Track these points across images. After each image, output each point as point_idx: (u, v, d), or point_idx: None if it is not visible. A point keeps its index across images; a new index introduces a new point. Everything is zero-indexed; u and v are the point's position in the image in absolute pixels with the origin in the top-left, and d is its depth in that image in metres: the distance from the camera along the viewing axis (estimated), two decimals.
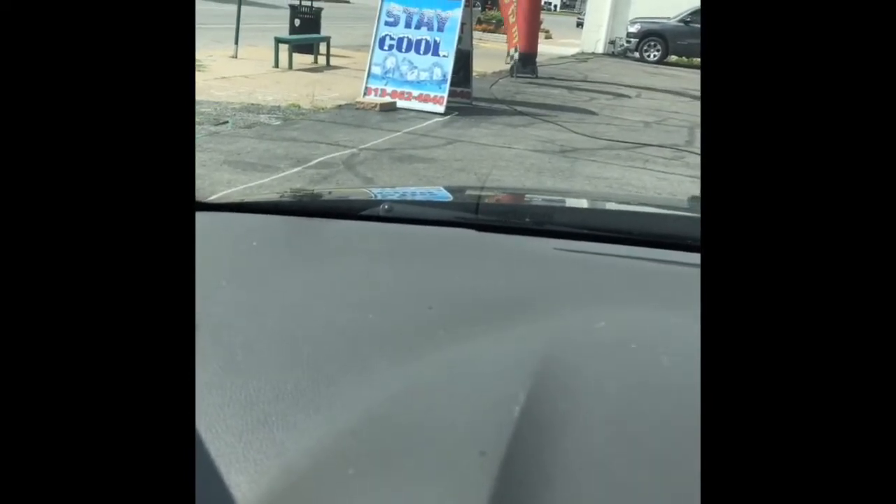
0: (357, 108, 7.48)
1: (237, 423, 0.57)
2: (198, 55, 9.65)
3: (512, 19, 12.34)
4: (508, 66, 12.10)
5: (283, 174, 4.85)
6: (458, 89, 8.22)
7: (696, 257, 0.99)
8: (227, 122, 6.22)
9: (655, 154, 6.65)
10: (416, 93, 7.85)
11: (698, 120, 9.02)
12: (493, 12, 24.52)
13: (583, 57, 18.65)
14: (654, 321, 0.79)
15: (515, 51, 12.07)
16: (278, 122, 6.44)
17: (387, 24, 8.04)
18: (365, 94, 7.90)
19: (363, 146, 5.84)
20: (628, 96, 11.03)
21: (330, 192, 2.00)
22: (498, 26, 20.83)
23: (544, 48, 15.34)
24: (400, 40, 7.98)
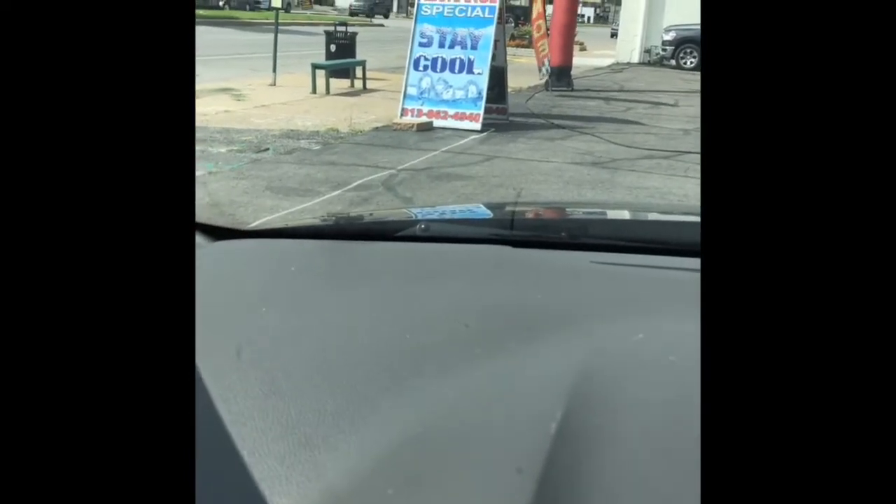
0: (394, 130, 7.54)
1: (279, 446, 0.58)
2: (237, 84, 9.88)
3: (537, 34, 12.34)
4: (543, 81, 12.08)
5: (324, 198, 4.91)
6: (494, 106, 8.24)
7: None
8: (268, 149, 6.34)
9: (696, 161, 6.56)
10: (452, 111, 7.89)
11: None
12: (527, 27, 24.59)
13: (618, 67, 18.55)
14: (694, 332, 0.78)
15: (546, 66, 12.03)
16: (318, 147, 6.53)
17: (420, 44, 8.11)
18: (402, 115, 7.97)
19: (401, 167, 5.89)
20: (666, 104, 10.93)
21: (371, 214, 2.03)
22: (532, 42, 20.88)
23: (579, 60, 15.30)
24: (434, 60, 8.05)
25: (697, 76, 16.37)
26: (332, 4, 45.54)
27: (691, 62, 18.24)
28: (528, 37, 21.56)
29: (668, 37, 18.65)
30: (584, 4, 71.86)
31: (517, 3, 42.83)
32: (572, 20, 12.52)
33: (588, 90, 12.34)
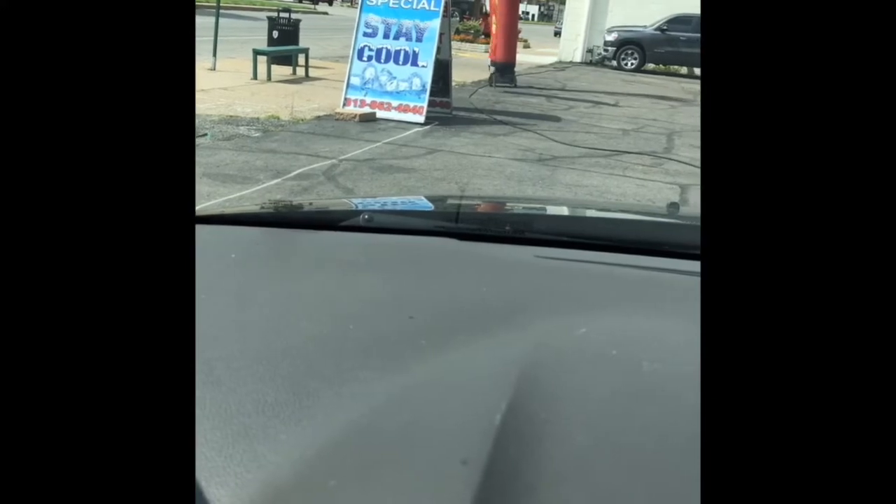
0: (336, 119, 7.47)
1: (217, 436, 0.57)
2: None
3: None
4: (487, 76, 12.13)
5: (262, 186, 4.83)
6: (438, 99, 8.24)
7: (675, 263, 0.99)
8: (205, 134, 6.19)
9: (634, 161, 6.69)
10: (395, 103, 7.85)
11: (676, 127, 9.11)
12: (471, 22, 24.65)
13: (561, 66, 18.77)
14: (634, 327, 0.80)
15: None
16: (257, 134, 6.42)
17: (365, 34, 8.05)
18: (344, 104, 7.89)
19: (343, 157, 5.83)
20: (606, 104, 11.10)
21: (311, 203, 2.00)
22: (476, 36, 20.94)
23: (523, 57, 15.41)
24: (379, 51, 7.99)
25: (637, 77, 16.72)
26: None
27: (632, 63, 18.58)
28: (472, 31, 21.64)
29: (611, 38, 18.95)
30: (529, 2, 72.45)
31: None
32: (516, 17, 12.58)
33: (531, 87, 12.45)
